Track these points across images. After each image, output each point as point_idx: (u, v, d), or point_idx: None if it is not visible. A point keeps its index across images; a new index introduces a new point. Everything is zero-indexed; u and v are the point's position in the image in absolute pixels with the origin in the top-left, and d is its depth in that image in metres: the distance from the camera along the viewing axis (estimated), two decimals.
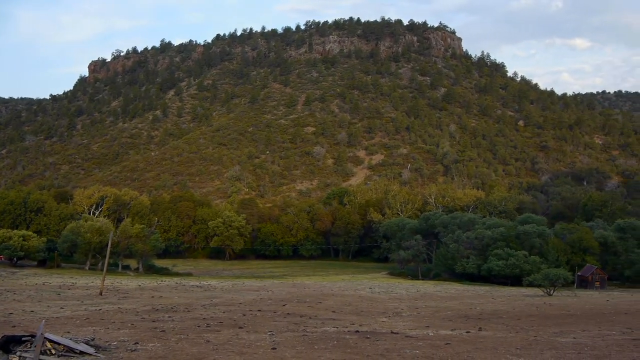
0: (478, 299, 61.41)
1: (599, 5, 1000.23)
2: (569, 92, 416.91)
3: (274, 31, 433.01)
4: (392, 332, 29.33)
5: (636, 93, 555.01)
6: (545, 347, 24.58)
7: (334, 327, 31.44)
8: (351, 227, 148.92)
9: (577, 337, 28.33)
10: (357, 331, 29.50)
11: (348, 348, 23.55)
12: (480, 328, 32.91)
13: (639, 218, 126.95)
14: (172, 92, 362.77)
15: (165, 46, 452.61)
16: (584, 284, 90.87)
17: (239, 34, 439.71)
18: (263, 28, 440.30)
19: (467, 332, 30.68)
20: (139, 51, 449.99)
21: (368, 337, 26.83)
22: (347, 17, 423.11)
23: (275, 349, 22.86)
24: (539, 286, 72.55)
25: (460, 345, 24.66)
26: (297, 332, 28.44)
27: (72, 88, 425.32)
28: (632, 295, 71.54)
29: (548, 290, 70.36)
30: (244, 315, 37.01)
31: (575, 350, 23.21)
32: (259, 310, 40.38)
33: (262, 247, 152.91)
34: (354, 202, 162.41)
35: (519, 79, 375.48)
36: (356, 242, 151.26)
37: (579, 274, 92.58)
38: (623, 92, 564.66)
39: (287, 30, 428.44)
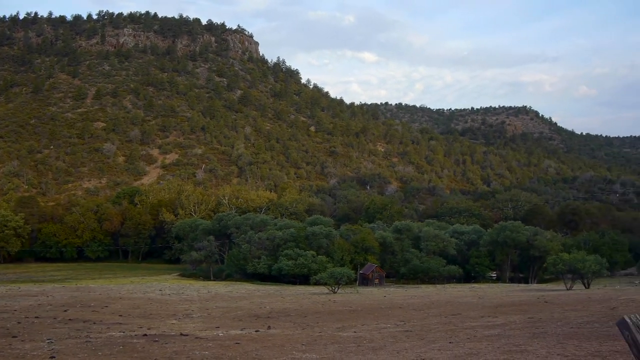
0: (268, 298, 62.83)
1: (386, 24, 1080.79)
2: (357, 102, 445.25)
3: (62, 18, 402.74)
4: (181, 334, 28.91)
5: (414, 106, 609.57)
6: (329, 341, 25.89)
7: (120, 332, 30.19)
8: (142, 228, 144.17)
9: (358, 331, 30.22)
10: (145, 335, 28.64)
11: (135, 352, 22.76)
12: (269, 326, 33.71)
13: (413, 220, 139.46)
14: None
15: None
16: (365, 281, 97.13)
17: (21, 17, 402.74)
18: (50, 14, 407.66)
19: (257, 331, 31.25)
20: None
21: (156, 341, 26.16)
22: (143, 11, 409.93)
23: (54, 357, 21.34)
24: (325, 284, 75.96)
25: (249, 344, 25.04)
26: (80, 339, 26.84)
27: None
28: (406, 291, 78.04)
29: (333, 288, 74.02)
30: (19, 322, 34.02)
31: (355, 344, 24.73)
32: (36, 317, 37.40)
33: (43, 248, 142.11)
34: (145, 202, 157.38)
35: (312, 87, 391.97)
36: (147, 243, 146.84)
37: (361, 272, 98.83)
38: (403, 104, 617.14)
39: (78, 18, 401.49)
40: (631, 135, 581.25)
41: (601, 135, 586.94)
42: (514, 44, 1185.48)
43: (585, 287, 73.84)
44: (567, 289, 70.56)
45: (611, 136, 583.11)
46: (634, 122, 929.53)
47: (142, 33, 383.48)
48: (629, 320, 8.25)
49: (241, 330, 31.84)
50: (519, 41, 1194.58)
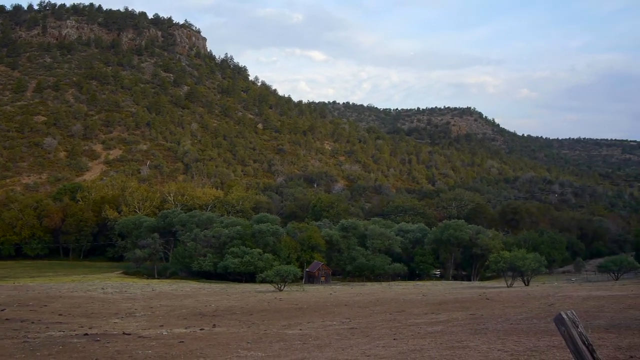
0: (213, 296, 62.35)
1: (334, 23, 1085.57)
2: (305, 100, 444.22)
3: (1, 8, 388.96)
4: (124, 334, 28.41)
5: (361, 105, 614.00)
6: (275, 339, 25.86)
7: (60, 332, 29.45)
8: (84, 225, 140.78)
9: (303, 329, 30.30)
10: (86, 334, 28.02)
11: (75, 352, 22.23)
12: (214, 325, 33.46)
13: (359, 218, 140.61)
14: None
15: None
16: (311, 279, 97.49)
17: None
18: None
19: (202, 329, 30.98)
20: None
21: (98, 340, 25.62)
22: (87, 3, 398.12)
23: None
24: (271, 282, 75.95)
25: (193, 343, 24.79)
26: (17, 339, 26.05)
27: None
28: (352, 288, 78.62)
29: (279, 285, 74.04)
30: None
31: (301, 341, 24.78)
32: None
33: None
34: (87, 199, 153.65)
35: (260, 84, 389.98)
36: (89, 240, 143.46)
37: (307, 269, 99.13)
38: (350, 103, 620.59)
39: (17, 8, 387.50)
40: (570, 138, 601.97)
41: (541, 137, 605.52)
42: (460, 45, 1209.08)
43: (525, 284, 75.98)
44: (508, 286, 72.45)
45: (551, 138, 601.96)
46: (572, 124, 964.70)
47: (86, 25, 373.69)
48: (565, 316, 8.51)
49: (186, 328, 31.51)
50: (464, 43, 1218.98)
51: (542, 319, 28.88)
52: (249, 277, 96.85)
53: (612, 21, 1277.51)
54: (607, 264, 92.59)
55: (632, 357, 16.79)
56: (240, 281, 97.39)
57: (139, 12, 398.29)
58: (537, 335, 22.48)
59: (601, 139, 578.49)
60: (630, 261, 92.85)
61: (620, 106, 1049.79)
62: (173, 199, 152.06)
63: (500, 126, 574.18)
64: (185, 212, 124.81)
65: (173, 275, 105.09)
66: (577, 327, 8.51)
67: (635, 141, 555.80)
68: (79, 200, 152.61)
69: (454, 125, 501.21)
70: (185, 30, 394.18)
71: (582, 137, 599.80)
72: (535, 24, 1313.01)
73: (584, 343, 8.45)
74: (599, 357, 8.53)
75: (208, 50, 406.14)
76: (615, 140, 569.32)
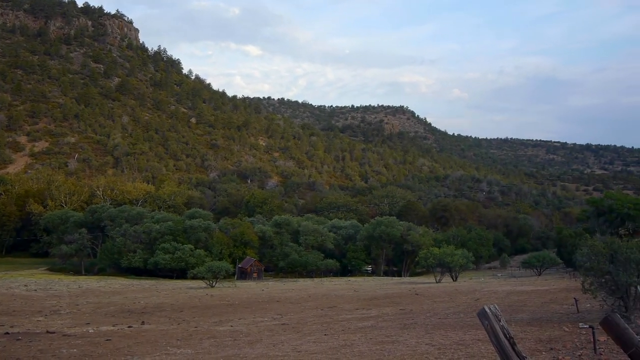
0: (143, 292, 61.22)
1: (271, 18, 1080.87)
2: (240, 95, 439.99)
3: None
4: (48, 332, 27.52)
5: (296, 102, 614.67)
6: (205, 336, 25.62)
7: None
8: (6, 220, 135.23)
9: (234, 325, 30.14)
10: (7, 333, 26.98)
11: None
12: (143, 322, 32.87)
13: (293, 215, 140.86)
14: None
15: None
16: (243, 275, 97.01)
17: None
18: None
19: (130, 326, 30.37)
20: None
21: (19, 339, 24.72)
22: None
23: None
24: (202, 278, 75.19)
25: (121, 341, 24.26)
26: None
27: None
28: (284, 284, 78.75)
29: (211, 282, 73.37)
30: None
31: (232, 338, 24.64)
32: None
33: None
34: (11, 192, 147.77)
35: (193, 77, 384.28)
36: (12, 235, 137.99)
37: (239, 265, 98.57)
38: (286, 99, 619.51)
39: None
40: (497, 137, 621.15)
41: (471, 136, 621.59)
42: (395, 45, 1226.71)
43: (453, 280, 77.96)
44: (437, 282, 74.14)
45: (480, 138, 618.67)
46: (500, 125, 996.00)
47: (11, 12, 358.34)
48: (488, 310, 8.77)
49: (113, 326, 30.82)
50: (399, 43, 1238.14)
51: (468, 314, 29.72)
52: (180, 273, 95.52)
53: (539, 26, 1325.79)
54: (530, 259, 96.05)
55: (552, 349, 17.48)
56: (171, 277, 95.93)
57: (68, 0, 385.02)
58: (463, 329, 23.11)
59: (527, 140, 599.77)
60: (552, 257, 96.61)
61: (546, 108, 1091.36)
62: (102, 194, 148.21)
63: (432, 125, 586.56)
64: (115, 207, 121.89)
65: (101, 272, 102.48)
66: (500, 320, 8.78)
67: (558, 142, 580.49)
68: (2, 194, 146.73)
69: (387, 123, 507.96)
70: (116, 21, 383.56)
71: (509, 137, 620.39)
72: (467, 25, 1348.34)
73: (505, 336, 8.73)
74: (519, 349, 8.84)
75: (140, 41, 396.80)
76: (540, 140, 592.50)
